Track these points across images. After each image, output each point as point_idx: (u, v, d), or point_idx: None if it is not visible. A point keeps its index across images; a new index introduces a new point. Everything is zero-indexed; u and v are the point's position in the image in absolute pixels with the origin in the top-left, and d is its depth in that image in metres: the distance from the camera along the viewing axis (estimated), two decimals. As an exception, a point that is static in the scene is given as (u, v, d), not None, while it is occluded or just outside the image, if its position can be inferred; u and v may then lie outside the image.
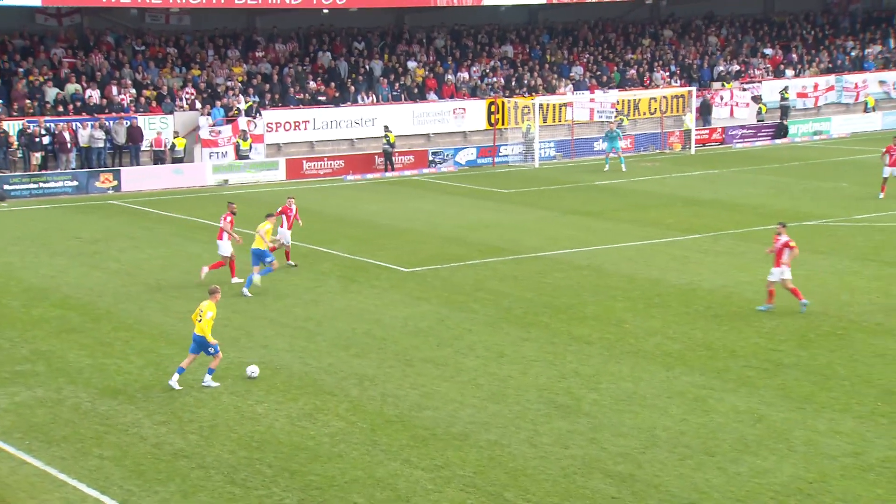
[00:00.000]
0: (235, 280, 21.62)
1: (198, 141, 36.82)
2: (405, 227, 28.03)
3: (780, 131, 45.24)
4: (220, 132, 36.90)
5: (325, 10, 39.15)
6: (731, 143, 43.87)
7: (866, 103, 47.73)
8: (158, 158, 36.08)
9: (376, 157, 38.48)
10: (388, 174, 37.78)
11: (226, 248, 21.56)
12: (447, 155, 39.62)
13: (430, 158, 39.37)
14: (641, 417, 14.39)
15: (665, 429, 13.98)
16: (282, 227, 22.99)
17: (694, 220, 28.19)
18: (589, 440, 13.67)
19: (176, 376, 15.82)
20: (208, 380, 15.92)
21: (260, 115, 38.03)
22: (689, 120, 42.52)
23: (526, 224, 28.39)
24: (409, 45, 43.65)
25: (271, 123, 38.40)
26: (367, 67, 41.92)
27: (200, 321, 15.75)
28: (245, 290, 20.83)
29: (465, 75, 42.95)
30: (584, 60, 45.58)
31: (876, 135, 44.48)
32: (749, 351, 17.11)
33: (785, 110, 45.87)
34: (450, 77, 42.41)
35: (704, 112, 44.67)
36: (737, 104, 45.59)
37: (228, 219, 21.76)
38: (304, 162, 37.62)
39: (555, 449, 13.44)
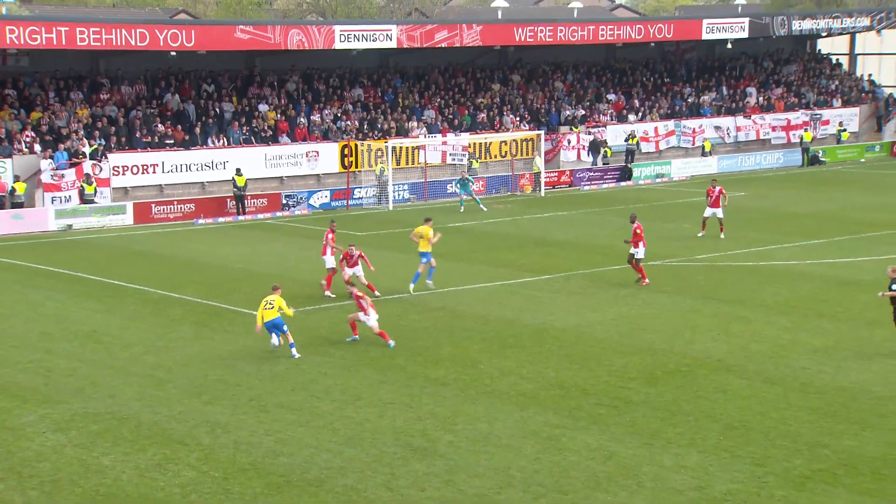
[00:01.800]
0: (328, 294, 23.92)
1: (39, 185, 35.43)
2: (259, 270, 27.74)
3: (626, 174, 47.10)
4: (63, 176, 35.65)
5: (173, 53, 38.52)
6: (579, 186, 45.36)
7: (703, 147, 50.33)
8: (-2, 204, 34.51)
9: (228, 200, 37.93)
10: (241, 217, 37.26)
11: (330, 261, 24.30)
12: (301, 198, 39.43)
13: (284, 202, 39.08)
14: (497, 458, 14.59)
15: (520, 468, 14.22)
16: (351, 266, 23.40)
17: (546, 261, 28.92)
18: (445, 482, 13.77)
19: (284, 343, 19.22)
20: (295, 351, 19.18)
21: (106, 158, 36.94)
22: (539, 163, 43.77)
23: (381, 266, 28.49)
24: (261, 88, 43.39)
25: (118, 167, 37.35)
26: (218, 110, 41.39)
27: (272, 308, 19.21)
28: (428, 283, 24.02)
29: (318, 118, 42.97)
30: (436, 104, 46.36)
31: (712, 177, 46.88)
32: (600, 389, 17.61)
33: (630, 154, 47.82)
34: (302, 120, 42.35)
35: (594, 150, 46.05)
36: (583, 147, 47.27)
37: (330, 235, 24.38)
38: (153, 206, 36.72)
39: (411, 492, 13.47)
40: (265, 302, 19.58)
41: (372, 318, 20.00)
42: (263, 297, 23.50)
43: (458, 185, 38.95)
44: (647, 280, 25.08)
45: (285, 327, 19.34)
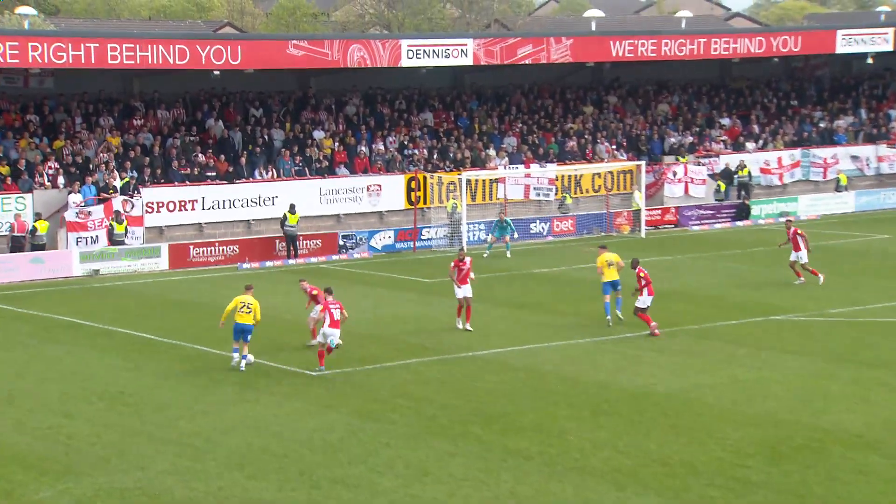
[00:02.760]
0: (460, 326, 26.40)
1: (62, 224, 36.48)
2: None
3: (742, 212, 46.67)
4: (89, 213, 36.68)
5: (217, 73, 39.57)
6: (687, 225, 45.07)
7: (837, 181, 49.61)
8: (17, 245, 35.61)
9: (277, 241, 38.57)
10: (292, 261, 37.84)
11: (467, 290, 26.71)
12: (360, 239, 39.92)
13: (341, 243, 39.61)
14: (589, 544, 14.50)
15: (616, 557, 14.09)
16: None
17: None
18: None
19: (240, 360, 22.57)
20: (244, 365, 22.30)
21: (138, 193, 37.95)
22: (639, 198, 43.65)
23: (452, 319, 28.63)
24: (316, 112, 44.23)
25: (152, 203, 38.31)
26: (266, 137, 42.28)
27: (249, 313, 22.32)
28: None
29: (381, 146, 43.60)
30: (518, 130, 46.69)
31: (849, 217, 46.22)
32: (712, 467, 17.38)
33: (744, 188, 47.37)
34: (363, 149, 43.01)
35: (726, 178, 45.66)
36: (692, 181, 47.02)
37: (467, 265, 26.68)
38: (191, 248, 37.52)
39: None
40: (241, 303, 22.51)
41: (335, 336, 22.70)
42: (317, 353, 23.68)
43: (494, 229, 38.78)
44: (657, 331, 25.73)
45: (249, 336, 22.68)
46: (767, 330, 26.74)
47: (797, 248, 31.97)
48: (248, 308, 22.59)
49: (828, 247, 39.13)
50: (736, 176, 47.23)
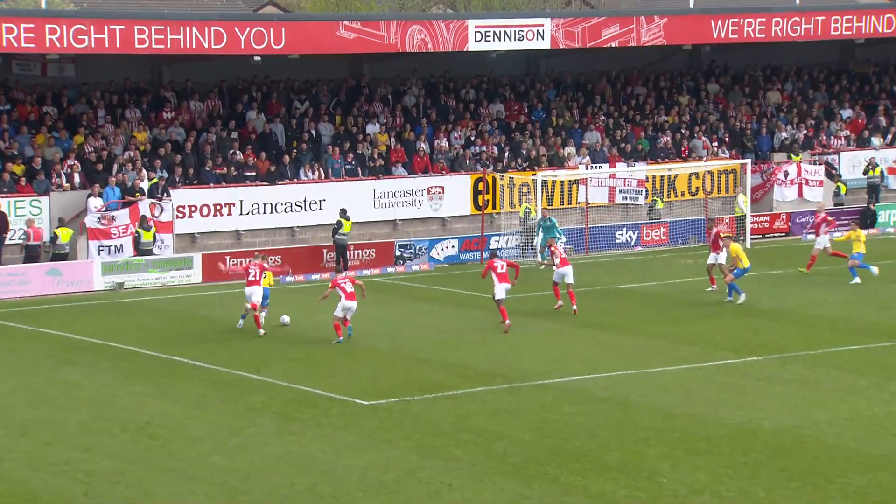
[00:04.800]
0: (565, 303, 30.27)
1: (83, 231, 37.07)
2: (365, 344, 28.15)
3: (867, 219, 46.07)
4: (113, 219, 37.24)
5: (258, 58, 39.94)
6: (800, 235, 44.60)
7: (985, 183, 48.82)
8: (31, 256, 36.21)
9: (325, 251, 38.83)
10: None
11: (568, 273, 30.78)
12: (420, 249, 40.07)
13: (398, 253, 39.78)
14: None
15: None
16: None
17: (751, 337, 28.49)
18: None
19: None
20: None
21: (168, 195, 38.47)
22: (744, 203, 43.31)
23: (526, 341, 28.54)
24: (370, 104, 44.53)
25: (183, 207, 38.80)
26: (313, 132, 42.64)
27: (266, 277, 29.15)
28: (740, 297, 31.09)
29: (444, 143, 43.75)
30: (602, 123, 46.58)
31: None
32: (829, 514, 17.28)
33: (873, 191, 46.79)
34: (423, 145, 43.20)
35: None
36: (807, 182, 46.55)
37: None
38: (228, 258, 37.87)
39: None
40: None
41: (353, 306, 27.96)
42: (371, 379, 23.82)
43: (541, 231, 38.39)
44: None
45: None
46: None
47: (716, 249, 33.43)
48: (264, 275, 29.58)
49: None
50: (865, 175, 46.67)
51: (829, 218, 37.40)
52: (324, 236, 39.41)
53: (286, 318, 30.06)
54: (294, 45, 39.05)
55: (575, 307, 30.79)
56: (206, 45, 37.63)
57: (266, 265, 30.27)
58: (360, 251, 39.24)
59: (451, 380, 24.67)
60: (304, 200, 40.33)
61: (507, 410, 22.44)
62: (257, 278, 29.39)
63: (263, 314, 29.50)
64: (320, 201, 40.38)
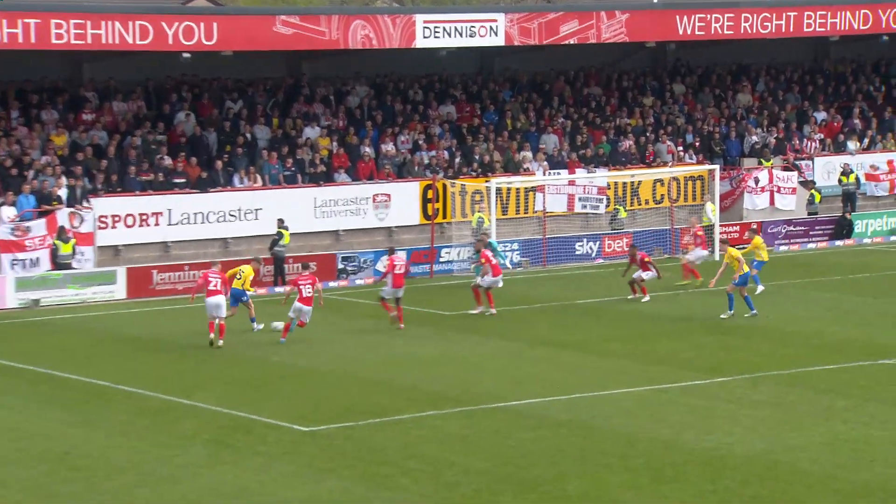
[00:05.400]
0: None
1: (-7, 243, 36.73)
2: (305, 365, 28.09)
3: (843, 229, 46.56)
4: (28, 230, 36.94)
5: (187, 55, 39.82)
6: (773, 245, 45.01)
7: (965, 190, 49.50)
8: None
9: (262, 264, 38.75)
10: (280, 289, 37.97)
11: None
12: (365, 262, 40.01)
13: (341, 266, 39.71)
14: None
15: None
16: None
17: (721, 356, 28.67)
18: None
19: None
20: (257, 326, 31.27)
21: (89, 204, 38.20)
22: (712, 211, 43.63)
23: (480, 361, 28.54)
24: (310, 105, 44.47)
25: (105, 217, 38.55)
26: (248, 136, 42.52)
27: (240, 279, 30.90)
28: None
29: (391, 147, 43.76)
30: (560, 126, 46.77)
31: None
32: (804, 545, 17.41)
33: (848, 199, 47.27)
34: (368, 150, 43.18)
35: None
36: (779, 190, 46.98)
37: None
38: (155, 272, 37.66)
39: None
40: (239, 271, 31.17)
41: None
42: (312, 403, 23.73)
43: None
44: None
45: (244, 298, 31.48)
46: (875, 376, 26.60)
47: (645, 269, 35.40)
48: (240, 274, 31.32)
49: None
50: (840, 183, 47.14)
51: (700, 232, 38.92)
52: (260, 248, 39.24)
53: (278, 324, 30.82)
54: (227, 41, 38.92)
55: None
56: (130, 41, 37.44)
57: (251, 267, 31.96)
58: (299, 264, 39.04)
59: (399, 403, 24.63)
60: (239, 210, 40.18)
61: (460, 436, 22.42)
62: (218, 287, 29.77)
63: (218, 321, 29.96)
64: (256, 210, 40.24)
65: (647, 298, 34.90)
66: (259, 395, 25.52)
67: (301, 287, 30.16)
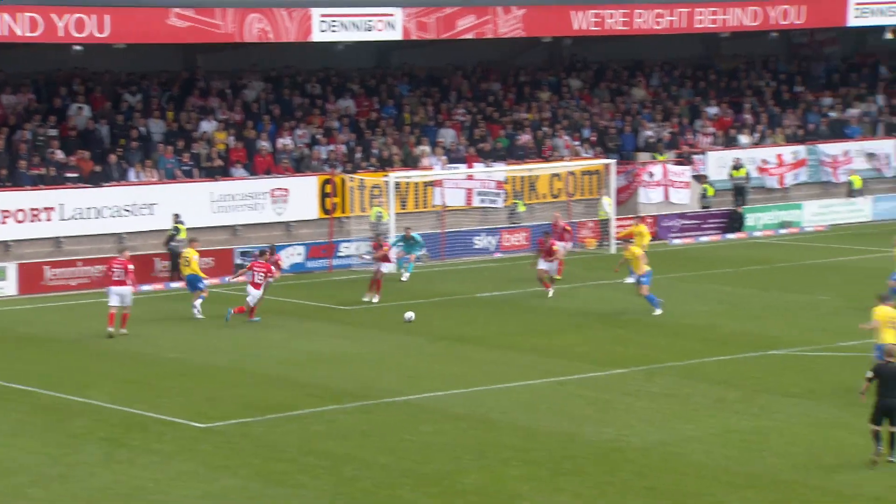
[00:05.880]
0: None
1: None
2: (201, 362, 27.88)
3: (734, 222, 47.23)
4: (-85, 225, 36.14)
5: (78, 47, 39.21)
6: (666, 238, 45.52)
7: (850, 184, 50.41)
8: None
9: (157, 259, 38.26)
10: (176, 285, 37.61)
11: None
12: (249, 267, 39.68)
13: (238, 261, 39.39)
14: None
15: None
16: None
17: (617, 349, 28.93)
18: None
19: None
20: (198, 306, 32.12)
21: (-21, 198, 37.53)
22: (608, 205, 44.01)
23: (379, 356, 28.51)
24: (205, 99, 44.05)
25: (-4, 211, 37.91)
26: (143, 129, 42.02)
27: (189, 265, 32.04)
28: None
29: (288, 141, 43.51)
30: (458, 121, 46.86)
31: (865, 228, 46.88)
32: (699, 535, 17.61)
33: (739, 193, 47.94)
34: (265, 144, 42.89)
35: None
36: (673, 184, 47.53)
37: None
38: (47, 268, 37.08)
39: None
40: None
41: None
42: (208, 400, 23.55)
43: (397, 242, 38.46)
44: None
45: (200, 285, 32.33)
46: (766, 368, 27.03)
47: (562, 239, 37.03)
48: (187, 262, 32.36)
49: (838, 264, 39.73)
50: (731, 177, 47.74)
51: (568, 227, 39.84)
52: (155, 243, 38.83)
53: (411, 315, 30.92)
54: (120, 33, 38.45)
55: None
56: (18, 33, 36.89)
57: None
58: (257, 249, 38.43)
59: (298, 399, 24.51)
60: (134, 204, 39.70)
61: (359, 431, 22.37)
62: (122, 278, 30.20)
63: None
64: (151, 205, 39.79)
65: (551, 293, 34.82)
66: (154, 392, 25.25)
67: (254, 272, 31.71)
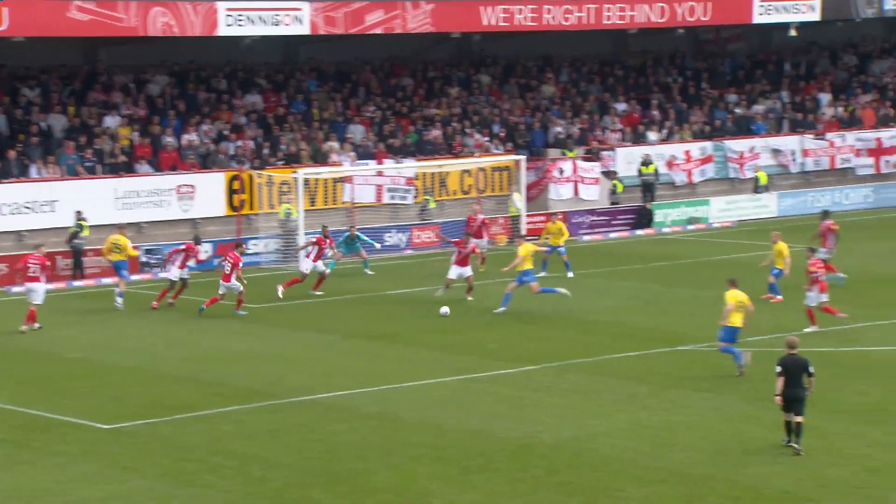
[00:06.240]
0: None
1: None
2: (106, 361, 27.60)
3: (643, 218, 47.67)
4: None
5: (-24, 40, 38.55)
6: (576, 235, 45.82)
7: (756, 180, 51.13)
8: None
9: (59, 257, 37.74)
10: (78, 283, 37.08)
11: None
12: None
13: (143, 260, 39.01)
14: None
15: None
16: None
17: (528, 345, 29.06)
18: None
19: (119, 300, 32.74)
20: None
21: None
22: (518, 201, 44.19)
23: (290, 354, 28.40)
24: (108, 94, 43.53)
25: None
26: (43, 125, 41.42)
27: (119, 251, 33.02)
28: None
29: (194, 137, 43.13)
30: (367, 117, 46.78)
31: (770, 224, 47.58)
32: (610, 530, 17.76)
33: (648, 189, 48.39)
34: (170, 140, 42.48)
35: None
36: (582, 180, 47.86)
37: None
38: (-55, 267, 36.47)
39: None
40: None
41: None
42: (114, 400, 23.32)
43: (341, 245, 38.63)
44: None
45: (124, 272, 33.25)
46: (675, 363, 27.33)
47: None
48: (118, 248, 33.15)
49: (744, 260, 40.24)
50: (640, 174, 48.12)
51: (487, 221, 40.39)
52: (57, 241, 38.31)
53: (446, 310, 31.74)
54: (19, 26, 37.90)
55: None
56: (-86, 25, 36.13)
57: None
58: (99, 257, 38.20)
59: (205, 399, 24.35)
60: (34, 201, 39.12)
61: (267, 431, 22.27)
62: (37, 274, 30.44)
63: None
64: (52, 202, 39.25)
65: (470, 298, 34.41)
66: (57, 392, 24.94)
67: (225, 264, 32.67)
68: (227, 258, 32.71)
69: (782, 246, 33.62)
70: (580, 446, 21.34)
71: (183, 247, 34.11)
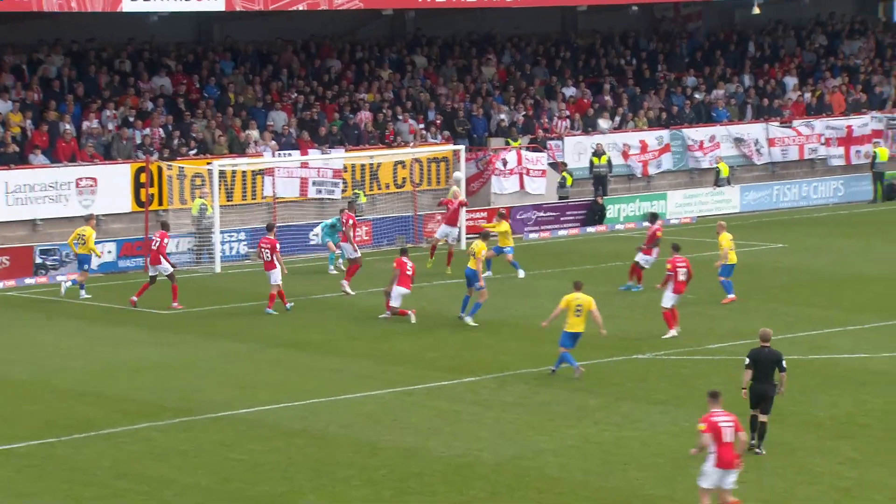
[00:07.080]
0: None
1: None
2: (-4, 376, 27.34)
3: (595, 214, 47.87)
4: None
5: None
6: (522, 232, 45.96)
7: (717, 172, 51.50)
8: None
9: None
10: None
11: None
12: (67, 255, 39.12)
13: (39, 261, 38.78)
14: None
15: None
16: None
17: (467, 354, 29.18)
18: None
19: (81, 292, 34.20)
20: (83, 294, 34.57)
21: None
22: (459, 194, 44.23)
23: (203, 365, 28.33)
24: None
25: None
26: (-72, 110, 41.08)
27: (84, 244, 34.52)
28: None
29: (95, 124, 42.88)
30: (290, 102, 46.70)
31: (734, 219, 47.97)
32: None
33: (600, 182, 48.57)
34: (69, 127, 42.20)
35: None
36: (528, 172, 48.00)
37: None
38: None
39: None
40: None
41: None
42: (6, 418, 23.17)
43: (325, 232, 38.97)
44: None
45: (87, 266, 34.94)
46: (629, 373, 27.53)
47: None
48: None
49: (705, 259, 40.54)
50: (592, 165, 48.33)
51: (465, 202, 41.36)
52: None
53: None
54: None
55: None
56: None
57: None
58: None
59: (109, 416, 24.25)
60: (-82, 196, 38.84)
61: (180, 451, 22.22)
62: None
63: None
64: (-62, 197, 38.97)
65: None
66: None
67: (263, 250, 33.56)
68: (264, 245, 33.42)
69: (724, 237, 34.10)
70: (524, 465, 21.45)
71: (157, 238, 34.67)
